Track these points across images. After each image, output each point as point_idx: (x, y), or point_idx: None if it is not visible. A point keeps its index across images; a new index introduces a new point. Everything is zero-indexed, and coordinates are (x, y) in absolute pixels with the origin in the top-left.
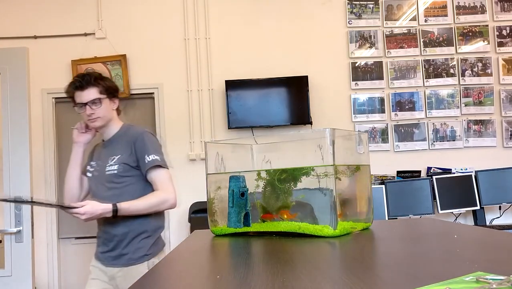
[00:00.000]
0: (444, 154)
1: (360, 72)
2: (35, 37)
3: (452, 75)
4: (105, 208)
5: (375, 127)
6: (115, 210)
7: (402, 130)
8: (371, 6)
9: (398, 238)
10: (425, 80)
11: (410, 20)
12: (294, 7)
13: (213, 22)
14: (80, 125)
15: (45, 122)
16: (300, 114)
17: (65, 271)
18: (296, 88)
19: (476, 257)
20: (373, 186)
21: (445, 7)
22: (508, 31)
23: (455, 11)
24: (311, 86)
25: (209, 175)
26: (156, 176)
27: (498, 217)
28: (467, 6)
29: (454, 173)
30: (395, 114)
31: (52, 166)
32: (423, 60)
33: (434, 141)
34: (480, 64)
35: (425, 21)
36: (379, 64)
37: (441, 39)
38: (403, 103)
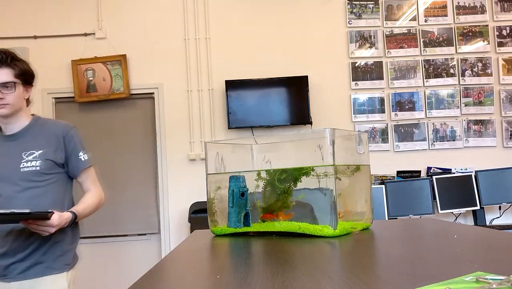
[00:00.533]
0: (444, 154)
1: (360, 72)
2: (35, 37)
3: (452, 75)
4: (68, 217)
5: (375, 127)
6: (75, 218)
7: (402, 130)
8: (371, 6)
9: (398, 238)
10: (425, 80)
11: (410, 20)
12: (294, 7)
13: (213, 22)
14: None
15: None
16: (300, 114)
17: None
18: (296, 88)
19: (476, 257)
20: (373, 186)
21: (445, 7)
22: (508, 31)
23: (455, 11)
24: (311, 86)
25: (209, 175)
26: (89, 175)
27: (498, 217)
28: (467, 6)
29: (454, 173)
30: (395, 114)
31: None
32: (423, 60)
33: (434, 141)
34: (480, 64)
35: (425, 21)
36: (379, 64)
37: (441, 39)
38: (403, 103)
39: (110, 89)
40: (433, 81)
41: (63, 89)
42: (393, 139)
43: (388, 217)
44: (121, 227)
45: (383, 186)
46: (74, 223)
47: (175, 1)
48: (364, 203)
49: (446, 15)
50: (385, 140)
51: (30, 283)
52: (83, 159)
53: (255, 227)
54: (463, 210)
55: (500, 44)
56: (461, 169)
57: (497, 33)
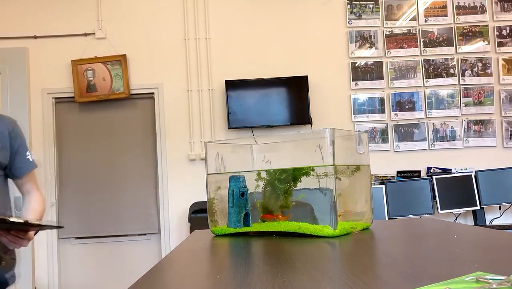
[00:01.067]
0: (444, 154)
1: (360, 72)
2: (35, 37)
3: (452, 75)
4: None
5: (375, 127)
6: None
7: (402, 130)
8: (371, 6)
9: (398, 238)
10: (425, 80)
11: (410, 20)
12: (294, 7)
13: (213, 22)
14: None
15: (45, 122)
16: (300, 114)
17: (65, 271)
18: (296, 88)
19: (476, 257)
20: (373, 186)
21: (445, 7)
22: (508, 31)
23: (455, 11)
24: (311, 86)
25: (209, 175)
26: (33, 177)
27: (498, 217)
28: (467, 6)
29: (454, 173)
30: (395, 114)
31: (52, 165)
32: (423, 60)
33: (434, 141)
34: (480, 64)
35: (425, 21)
36: (379, 64)
37: (441, 39)
38: (403, 103)
39: (110, 89)
40: (433, 81)
41: (63, 89)
42: (393, 139)
43: (388, 217)
44: (121, 227)
45: (383, 186)
46: None
47: (175, 1)
48: (364, 203)
49: (446, 15)
50: (385, 140)
51: None
52: (30, 159)
53: (255, 227)
54: (463, 210)
55: (500, 44)
56: (461, 169)
57: (497, 33)
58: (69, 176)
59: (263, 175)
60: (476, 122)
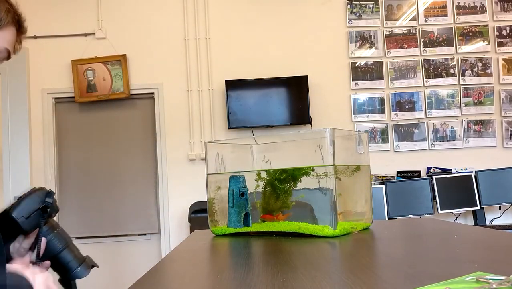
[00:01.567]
0: (444, 154)
1: (360, 72)
2: (35, 37)
3: (452, 75)
4: None
5: (375, 127)
6: None
7: (402, 130)
8: (371, 6)
9: (398, 238)
10: (425, 80)
11: (410, 20)
12: (294, 7)
13: (213, 22)
14: None
15: (45, 122)
16: (300, 114)
17: None
18: (296, 88)
19: (476, 257)
20: (373, 186)
21: (445, 7)
22: (508, 31)
23: (455, 11)
24: (311, 86)
25: (209, 175)
26: None
27: (498, 217)
28: (467, 6)
29: (454, 173)
30: (395, 114)
31: (52, 165)
32: (423, 60)
33: (434, 141)
34: (480, 64)
35: (425, 21)
36: (379, 64)
37: (441, 39)
38: (403, 103)
39: (110, 89)
40: (433, 81)
41: (63, 89)
42: (393, 139)
43: (388, 217)
44: (121, 227)
45: (383, 186)
46: None
47: (175, 1)
48: (364, 203)
49: (446, 15)
50: (385, 140)
51: None
52: None
53: (255, 227)
54: (463, 210)
55: (500, 44)
56: (461, 169)
57: (497, 33)
58: (69, 176)
59: (263, 175)
60: (476, 122)
